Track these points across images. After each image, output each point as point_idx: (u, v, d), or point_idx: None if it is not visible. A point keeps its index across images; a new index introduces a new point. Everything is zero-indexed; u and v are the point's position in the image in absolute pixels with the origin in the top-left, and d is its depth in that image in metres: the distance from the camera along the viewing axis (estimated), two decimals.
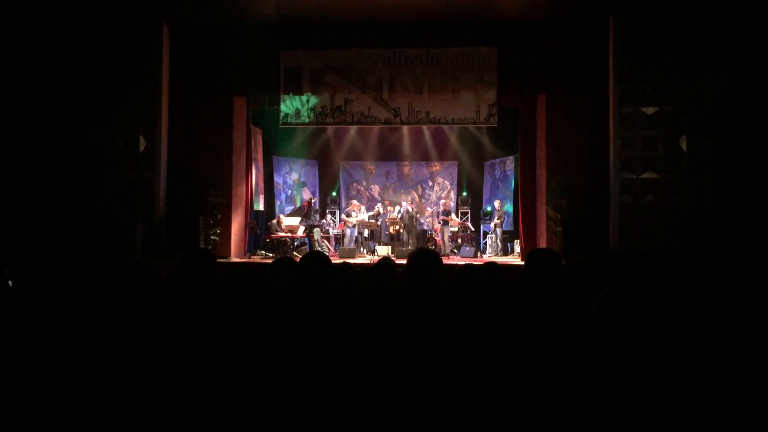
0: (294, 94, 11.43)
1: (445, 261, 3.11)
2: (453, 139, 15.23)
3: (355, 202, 14.45)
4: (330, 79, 11.38)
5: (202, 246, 10.36)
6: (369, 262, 10.27)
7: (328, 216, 14.74)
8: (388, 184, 16.15)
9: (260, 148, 13.56)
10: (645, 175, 10.22)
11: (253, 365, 2.21)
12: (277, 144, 14.43)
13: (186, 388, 2.00)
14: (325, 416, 1.95)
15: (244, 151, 12.00)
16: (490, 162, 15.11)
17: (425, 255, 3.00)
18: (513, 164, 13.71)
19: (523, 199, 11.93)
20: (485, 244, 13.57)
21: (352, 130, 14.68)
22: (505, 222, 13.36)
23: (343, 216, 14.05)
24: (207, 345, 2.30)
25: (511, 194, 13.80)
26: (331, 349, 2.31)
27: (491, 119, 11.30)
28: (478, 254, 12.90)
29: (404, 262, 3.04)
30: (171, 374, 2.06)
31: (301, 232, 12.73)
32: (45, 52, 10.39)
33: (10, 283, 3.82)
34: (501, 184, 14.64)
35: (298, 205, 14.83)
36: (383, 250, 12.69)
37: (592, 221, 10.28)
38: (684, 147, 10.17)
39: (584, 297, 2.70)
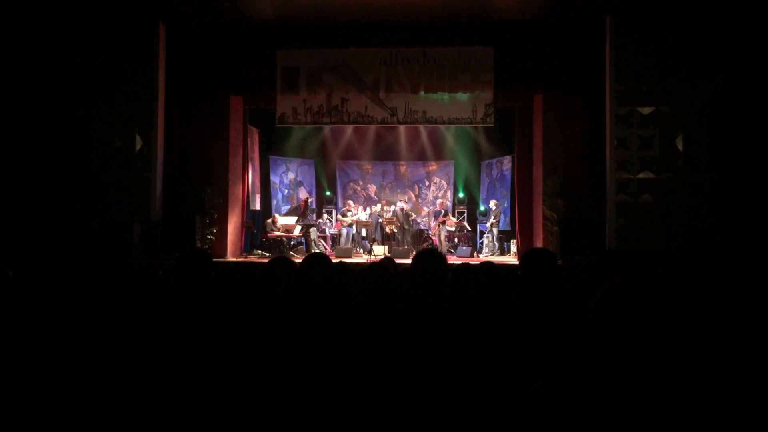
0: (291, 94, 11.41)
1: None
2: (450, 139, 15.25)
3: (350, 202, 14.45)
4: (327, 78, 11.37)
5: (199, 245, 10.34)
6: (366, 261, 10.27)
7: (325, 215, 14.75)
8: (384, 183, 16.14)
9: (257, 148, 13.55)
10: (641, 175, 10.24)
11: (249, 365, 2.21)
12: (273, 143, 14.42)
13: (182, 387, 2.00)
14: (323, 417, 1.95)
15: (241, 150, 11.99)
16: (487, 161, 15.12)
17: (431, 256, 2.99)
18: (510, 164, 13.72)
19: (520, 198, 11.95)
20: (482, 243, 13.58)
21: (349, 129, 14.70)
22: (501, 222, 13.36)
23: (339, 216, 14.05)
24: (203, 344, 2.30)
25: (509, 194, 13.80)
26: (328, 349, 2.30)
27: (488, 119, 11.31)
28: (475, 254, 12.91)
29: (401, 261, 3.04)
30: (167, 374, 2.06)
31: (297, 231, 12.72)
32: (41, 52, 10.36)
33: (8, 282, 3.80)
34: (498, 184, 14.64)
35: (295, 204, 14.84)
36: (380, 250, 12.69)
37: (589, 221, 10.29)
38: (680, 147, 10.19)
39: (580, 297, 2.70)
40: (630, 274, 1.19)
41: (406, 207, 13.58)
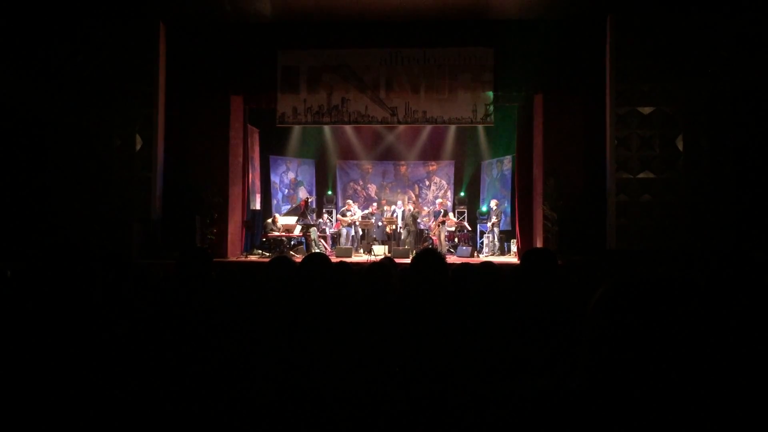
0: (291, 93, 11.41)
1: None
2: (450, 139, 15.25)
3: (350, 201, 14.45)
4: (327, 78, 11.37)
5: (199, 245, 10.34)
6: (366, 261, 10.27)
7: (325, 215, 14.75)
8: (384, 183, 16.14)
9: (257, 147, 13.55)
10: (641, 175, 10.24)
11: (249, 365, 2.21)
12: (273, 143, 14.43)
13: (182, 387, 2.00)
14: (322, 416, 1.95)
15: (241, 150, 11.98)
16: (487, 161, 15.12)
17: (430, 256, 2.99)
18: (510, 164, 13.72)
19: (520, 198, 11.95)
20: (482, 243, 13.58)
21: (349, 129, 14.70)
22: (502, 221, 13.36)
23: (339, 215, 14.06)
24: (203, 344, 2.30)
25: (509, 193, 13.80)
26: (328, 349, 2.30)
27: (488, 119, 11.33)
28: (475, 254, 12.90)
29: (401, 261, 3.04)
30: (167, 374, 2.06)
31: (297, 231, 12.73)
32: (41, 51, 10.35)
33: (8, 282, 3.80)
34: (498, 184, 14.64)
35: (295, 204, 14.84)
36: (380, 250, 12.69)
37: (589, 221, 10.29)
38: (680, 147, 10.19)
39: (580, 296, 2.70)
40: (629, 273, 1.19)
41: (413, 210, 13.61)
